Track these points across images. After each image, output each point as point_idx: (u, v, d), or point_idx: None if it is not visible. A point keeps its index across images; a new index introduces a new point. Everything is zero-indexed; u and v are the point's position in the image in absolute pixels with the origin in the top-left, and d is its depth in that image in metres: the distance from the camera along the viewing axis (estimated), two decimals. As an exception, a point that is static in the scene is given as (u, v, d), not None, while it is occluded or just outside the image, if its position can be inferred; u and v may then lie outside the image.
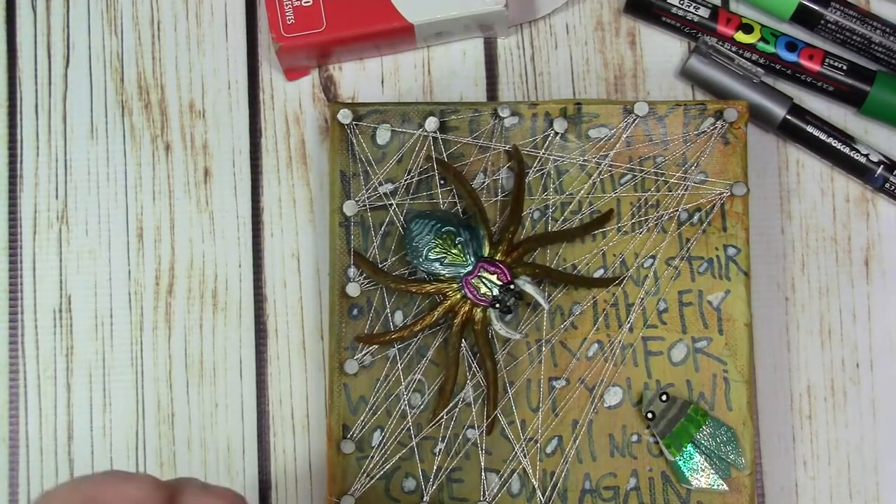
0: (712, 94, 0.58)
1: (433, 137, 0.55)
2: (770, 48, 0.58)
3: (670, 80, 0.59)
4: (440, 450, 0.54)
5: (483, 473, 0.54)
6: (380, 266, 0.55)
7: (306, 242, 0.58)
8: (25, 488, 0.57)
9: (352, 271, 0.54)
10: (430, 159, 0.55)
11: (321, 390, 0.57)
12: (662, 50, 0.59)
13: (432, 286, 0.53)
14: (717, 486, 0.53)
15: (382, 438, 0.54)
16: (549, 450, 0.54)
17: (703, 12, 0.58)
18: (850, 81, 0.58)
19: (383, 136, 0.55)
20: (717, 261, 0.55)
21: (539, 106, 0.55)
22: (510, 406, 0.54)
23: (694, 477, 0.53)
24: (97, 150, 0.59)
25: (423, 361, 0.54)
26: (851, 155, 0.57)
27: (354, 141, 0.55)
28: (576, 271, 0.55)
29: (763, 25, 0.58)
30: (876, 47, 0.58)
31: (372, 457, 0.54)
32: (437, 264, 0.53)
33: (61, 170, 0.59)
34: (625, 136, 0.55)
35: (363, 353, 0.54)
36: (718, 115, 0.55)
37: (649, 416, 0.53)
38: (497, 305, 0.52)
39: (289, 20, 0.56)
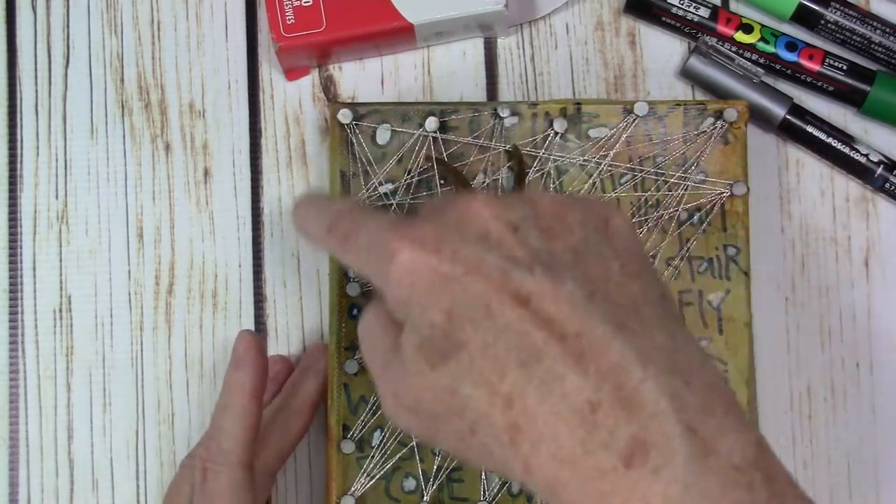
0: (712, 94, 0.58)
1: (433, 137, 0.55)
2: (770, 48, 0.58)
3: (670, 80, 0.59)
4: (440, 449, 0.54)
5: (483, 473, 0.54)
6: (380, 266, 0.54)
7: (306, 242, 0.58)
8: (25, 488, 0.57)
9: (352, 271, 0.54)
10: (430, 159, 0.55)
11: (321, 390, 0.57)
12: (662, 50, 0.59)
13: (432, 286, 0.53)
14: (717, 486, 0.53)
15: (382, 438, 0.54)
16: (549, 450, 0.54)
17: (703, 12, 0.58)
18: (850, 81, 0.58)
19: (383, 135, 0.55)
20: (717, 261, 0.55)
21: (539, 106, 0.55)
22: (510, 406, 0.54)
23: (694, 477, 0.53)
24: (97, 150, 0.59)
25: (423, 361, 0.54)
26: (851, 155, 0.57)
27: (354, 141, 0.55)
28: (576, 271, 0.55)
29: (763, 25, 0.58)
30: (876, 47, 0.58)
31: (372, 457, 0.54)
32: (437, 264, 0.53)
33: (61, 170, 0.59)
34: (625, 135, 0.55)
35: (363, 353, 0.54)
36: (718, 114, 0.55)
37: (649, 416, 0.53)
38: (497, 305, 0.52)
39: (289, 20, 0.56)
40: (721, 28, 0.58)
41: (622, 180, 0.55)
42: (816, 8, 0.58)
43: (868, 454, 0.57)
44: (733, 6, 0.60)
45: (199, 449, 0.49)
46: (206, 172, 0.59)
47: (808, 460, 0.57)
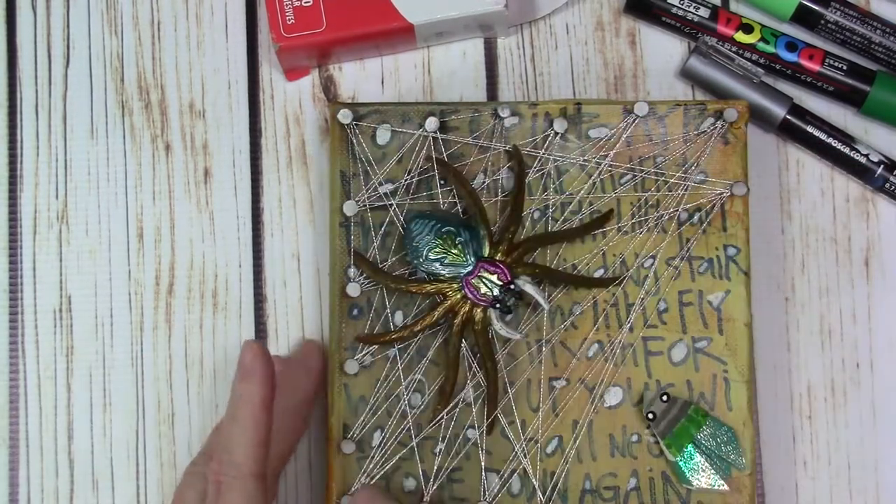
0: (712, 94, 0.58)
1: (433, 137, 0.55)
2: (770, 48, 0.58)
3: (670, 80, 0.59)
4: (440, 450, 0.54)
5: (483, 473, 0.54)
6: (380, 266, 0.55)
7: (306, 242, 0.58)
8: (25, 488, 0.57)
9: (352, 271, 0.54)
10: (430, 159, 0.55)
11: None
12: (662, 50, 0.59)
13: (432, 286, 0.53)
14: (718, 486, 0.53)
15: (383, 438, 0.54)
16: (549, 450, 0.54)
17: (703, 12, 0.58)
18: (850, 81, 0.58)
19: (383, 136, 0.55)
20: (717, 261, 0.55)
21: (539, 106, 0.55)
22: (510, 406, 0.54)
23: (694, 477, 0.53)
24: (97, 150, 0.59)
25: (423, 361, 0.54)
26: (851, 155, 0.57)
27: (354, 141, 0.55)
28: (576, 271, 0.55)
29: (763, 25, 0.58)
30: (876, 47, 0.58)
31: (372, 457, 0.54)
32: (437, 264, 0.53)
33: (61, 170, 0.59)
34: (625, 136, 0.55)
35: (363, 353, 0.54)
36: (718, 115, 0.55)
37: (650, 416, 0.53)
38: (497, 305, 0.52)
39: (289, 20, 0.56)
40: (721, 28, 0.58)
41: (622, 180, 0.55)
42: (816, 8, 0.58)
43: (868, 454, 0.57)
44: (733, 6, 0.60)
45: (211, 463, 0.48)
46: (206, 172, 0.59)
47: (808, 460, 0.57)
